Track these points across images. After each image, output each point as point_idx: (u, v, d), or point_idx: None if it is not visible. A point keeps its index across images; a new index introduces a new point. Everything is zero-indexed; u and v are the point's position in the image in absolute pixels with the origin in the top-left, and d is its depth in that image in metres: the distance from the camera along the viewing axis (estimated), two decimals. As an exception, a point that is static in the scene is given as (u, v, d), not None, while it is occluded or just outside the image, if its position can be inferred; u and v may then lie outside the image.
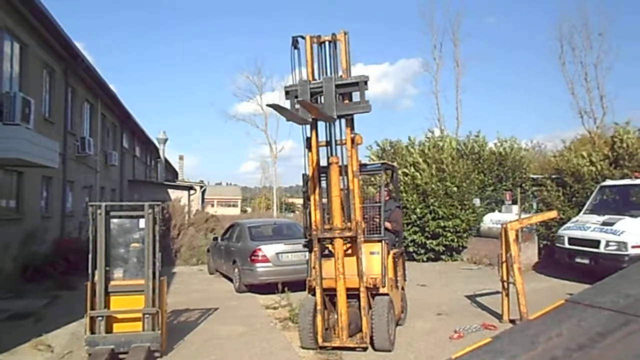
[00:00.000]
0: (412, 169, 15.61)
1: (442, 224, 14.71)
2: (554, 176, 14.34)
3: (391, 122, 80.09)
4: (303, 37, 6.03)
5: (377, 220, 6.78)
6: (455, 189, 15.03)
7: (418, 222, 14.93)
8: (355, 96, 5.86)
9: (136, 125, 26.82)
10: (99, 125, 19.59)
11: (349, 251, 6.12)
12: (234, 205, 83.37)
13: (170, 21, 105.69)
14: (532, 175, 17.21)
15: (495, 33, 71.88)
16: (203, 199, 39.76)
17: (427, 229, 14.87)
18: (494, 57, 75.40)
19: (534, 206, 14.43)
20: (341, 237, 5.93)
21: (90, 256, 5.88)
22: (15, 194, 11.74)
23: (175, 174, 48.63)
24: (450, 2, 59.58)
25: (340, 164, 6.04)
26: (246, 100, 44.11)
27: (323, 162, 6.22)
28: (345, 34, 6.01)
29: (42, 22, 12.22)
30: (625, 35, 56.70)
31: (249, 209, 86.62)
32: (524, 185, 16.45)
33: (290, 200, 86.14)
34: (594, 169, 13.10)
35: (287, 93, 5.90)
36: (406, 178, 15.30)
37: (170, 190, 27.56)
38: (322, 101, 5.74)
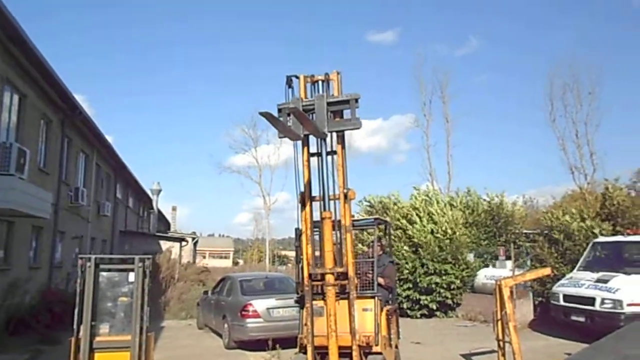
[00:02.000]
0: (404, 221, 15.61)
1: (435, 280, 14.56)
2: (545, 232, 14.37)
3: (384, 177, 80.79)
4: (297, 77, 6.15)
5: (370, 275, 6.71)
6: (447, 240, 14.99)
7: (410, 278, 14.78)
8: (347, 115, 5.88)
9: (130, 176, 26.86)
10: (93, 176, 19.62)
11: (341, 308, 6.01)
12: (225, 257, 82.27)
13: (165, 70, 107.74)
14: (525, 231, 17.24)
15: (485, 90, 74.15)
16: (195, 250, 39.39)
17: (419, 284, 14.70)
18: (484, 112, 77.42)
19: (528, 262, 14.36)
20: (334, 278, 5.77)
21: (76, 310, 5.73)
22: (4, 244, 11.57)
23: (167, 224, 48.31)
24: (440, 59, 61.45)
25: (333, 218, 6.04)
26: (241, 153, 44.34)
27: (316, 217, 6.22)
28: (338, 73, 6.15)
29: (43, 74, 12.47)
30: (616, 92, 58.25)
31: (241, 261, 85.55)
32: (517, 240, 16.45)
33: (283, 252, 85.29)
34: (584, 225, 13.16)
35: (279, 111, 5.94)
36: (398, 231, 15.27)
37: (161, 242, 27.31)
38: (314, 118, 5.80)
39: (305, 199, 6.08)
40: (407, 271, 14.75)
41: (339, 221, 6.02)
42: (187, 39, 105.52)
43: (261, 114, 4.67)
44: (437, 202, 16.87)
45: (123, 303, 6.09)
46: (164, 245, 26.48)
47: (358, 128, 5.77)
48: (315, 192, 6.21)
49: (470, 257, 15.36)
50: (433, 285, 14.61)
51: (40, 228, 13.67)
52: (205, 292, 13.48)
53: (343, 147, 5.91)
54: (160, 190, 34.56)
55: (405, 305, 14.69)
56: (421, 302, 14.77)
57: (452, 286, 14.72)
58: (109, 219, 22.97)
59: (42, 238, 13.99)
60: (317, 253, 6.28)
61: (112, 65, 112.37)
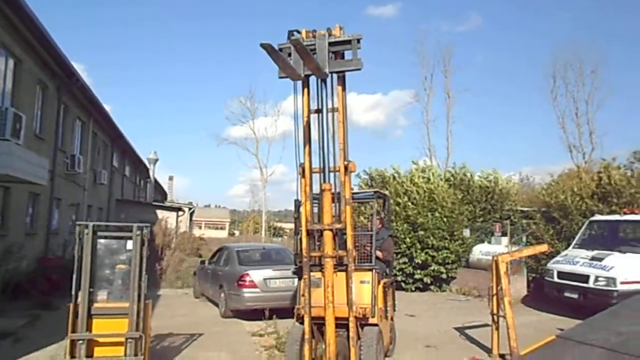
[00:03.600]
0: (405, 199, 15.58)
1: (431, 254, 14.66)
2: (542, 209, 14.43)
3: (382, 151, 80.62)
4: (299, 31, 6.03)
5: (369, 248, 6.73)
6: (444, 219, 15.03)
7: (407, 252, 14.86)
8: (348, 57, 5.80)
9: (127, 145, 26.69)
10: (89, 144, 19.48)
11: (339, 280, 6.03)
12: (221, 228, 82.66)
13: (167, 41, 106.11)
14: (520, 208, 17.30)
15: (487, 66, 73.26)
16: (191, 220, 39.49)
17: (415, 259, 14.80)
18: (485, 89, 76.78)
19: (524, 239, 14.45)
20: (332, 250, 5.79)
21: (74, 276, 5.74)
22: (0, 210, 11.53)
23: (164, 194, 48.29)
24: (442, 35, 60.61)
25: (333, 190, 6.01)
26: (239, 124, 44.12)
27: (316, 189, 6.19)
28: (340, 28, 6.02)
29: (39, 39, 12.23)
30: (618, 73, 57.84)
31: (237, 232, 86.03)
32: (512, 217, 16.52)
33: (279, 224, 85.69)
34: (581, 204, 13.20)
35: (280, 50, 5.85)
36: (397, 208, 15.27)
37: (158, 211, 27.32)
38: (316, 59, 5.73)
39: (305, 154, 5.99)
40: (404, 246, 14.83)
41: (339, 193, 6.00)
42: (187, 11, 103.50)
43: (262, 45, 4.54)
44: (435, 179, 16.86)
45: (121, 271, 6.11)
46: (161, 214, 26.51)
47: (360, 68, 5.67)
48: (315, 163, 6.18)
49: (467, 232, 15.45)
50: (429, 260, 14.71)
51: (37, 195, 13.63)
52: (202, 262, 13.54)
53: (344, 89, 5.84)
54: (157, 160, 34.40)
55: (399, 279, 14.81)
56: (415, 275, 14.90)
57: (447, 260, 14.83)
58: (106, 187, 22.92)
59: (39, 205, 13.95)
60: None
61: (111, 35, 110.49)
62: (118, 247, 6.14)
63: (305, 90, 5.97)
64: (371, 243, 6.74)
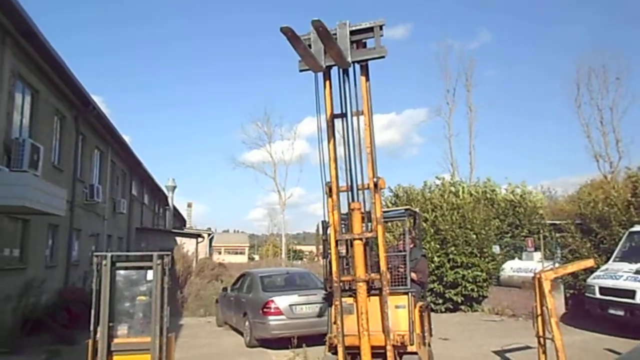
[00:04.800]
0: (433, 215, 15.09)
1: (461, 273, 14.10)
2: (577, 222, 13.79)
3: (399, 170, 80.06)
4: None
5: (402, 270, 6.31)
6: (474, 236, 14.50)
7: (436, 272, 14.31)
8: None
9: (145, 173, 26.70)
10: (108, 173, 19.43)
11: (372, 306, 5.61)
12: (241, 253, 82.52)
13: (181, 65, 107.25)
14: (550, 221, 16.67)
15: (501, 81, 72.59)
16: (210, 246, 39.27)
17: (445, 278, 14.24)
18: (502, 105, 76.04)
19: (558, 253, 13.81)
20: (365, 273, 5.41)
21: (92, 311, 5.41)
22: (19, 243, 11.34)
23: (183, 221, 48.28)
24: (464, 48, 60.44)
25: (362, 210, 5.64)
26: (256, 148, 44.29)
27: (343, 209, 5.83)
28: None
29: (55, 69, 12.20)
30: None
31: (256, 257, 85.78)
32: (542, 231, 15.92)
33: (298, 247, 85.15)
34: (619, 214, 12.56)
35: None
36: (425, 224, 14.78)
37: (177, 238, 27.16)
38: None
39: (330, 160, 5.67)
40: (433, 265, 14.30)
41: (369, 212, 5.64)
42: (201, 34, 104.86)
43: (282, 29, 4.25)
44: (465, 194, 16.41)
45: (142, 302, 5.77)
46: (180, 241, 26.32)
47: (384, 56, 5.42)
48: (342, 182, 5.84)
49: (496, 249, 14.87)
50: (459, 279, 14.15)
51: (56, 226, 13.47)
52: (225, 289, 13.16)
53: (367, 79, 5.58)
54: (175, 187, 34.45)
55: (429, 299, 14.26)
56: (446, 295, 14.32)
57: (478, 279, 14.25)
58: (125, 216, 22.81)
59: (59, 236, 13.79)
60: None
61: (126, 63, 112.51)
62: (138, 277, 5.80)
63: (328, 83, 5.68)
64: (405, 264, 6.32)
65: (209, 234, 37.37)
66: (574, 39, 68.64)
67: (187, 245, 26.96)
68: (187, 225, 46.69)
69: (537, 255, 14.11)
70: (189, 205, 48.24)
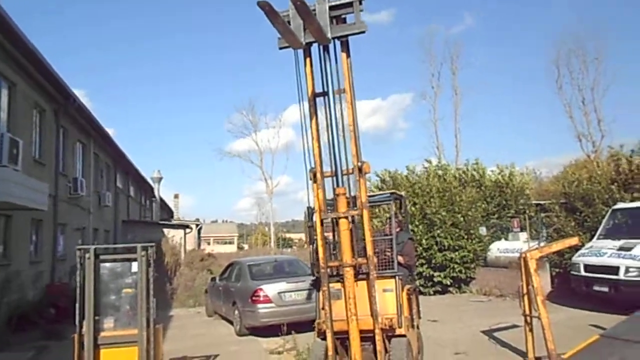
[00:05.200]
0: (422, 199, 15.11)
1: (449, 256, 14.20)
2: (561, 201, 13.93)
3: (386, 155, 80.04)
4: None
5: (389, 254, 6.30)
6: (461, 218, 14.58)
7: (424, 254, 14.39)
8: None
9: (130, 165, 26.42)
10: (91, 166, 19.17)
11: (360, 290, 5.61)
12: (230, 243, 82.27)
13: (165, 58, 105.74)
14: (536, 202, 16.83)
15: (486, 64, 72.63)
16: (199, 237, 39.15)
17: (433, 261, 14.33)
18: (486, 86, 76.20)
19: (544, 233, 13.94)
20: (351, 257, 5.40)
21: (77, 305, 5.35)
22: (2, 239, 11.19)
23: (170, 212, 47.94)
24: (449, 32, 60.29)
25: (347, 195, 5.61)
26: (242, 137, 44.09)
27: (329, 195, 5.80)
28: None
29: (32, 61, 11.96)
30: (622, 59, 57.21)
31: (245, 246, 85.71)
32: (527, 211, 16.06)
33: (288, 235, 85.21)
34: (603, 192, 12.69)
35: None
36: (413, 208, 14.81)
37: (165, 230, 26.98)
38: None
39: (313, 143, 5.62)
40: (421, 248, 14.36)
41: (354, 197, 5.61)
42: (184, 26, 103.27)
43: (259, 3, 4.17)
44: (450, 177, 16.47)
45: (127, 295, 5.72)
46: (168, 233, 26.17)
47: (364, 31, 5.35)
48: (326, 167, 5.80)
49: (483, 230, 14.97)
50: (447, 261, 14.25)
51: (40, 221, 13.29)
52: (213, 279, 13.14)
53: (348, 56, 5.52)
54: (161, 179, 34.12)
55: (418, 282, 14.35)
56: (435, 278, 14.42)
57: (465, 260, 14.37)
58: (111, 209, 22.59)
59: (43, 231, 13.61)
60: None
61: (109, 56, 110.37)
62: (123, 270, 5.76)
63: (308, 60, 5.61)
64: (391, 248, 6.31)
65: (197, 225, 37.22)
66: (554, 20, 68.71)
67: (175, 236, 26.85)
68: (175, 217, 46.45)
69: (523, 235, 14.27)
70: (176, 197, 47.92)
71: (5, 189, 7.90)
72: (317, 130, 5.73)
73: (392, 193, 6.96)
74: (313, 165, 5.70)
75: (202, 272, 19.45)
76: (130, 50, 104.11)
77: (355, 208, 5.53)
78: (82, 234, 17.75)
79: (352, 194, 5.67)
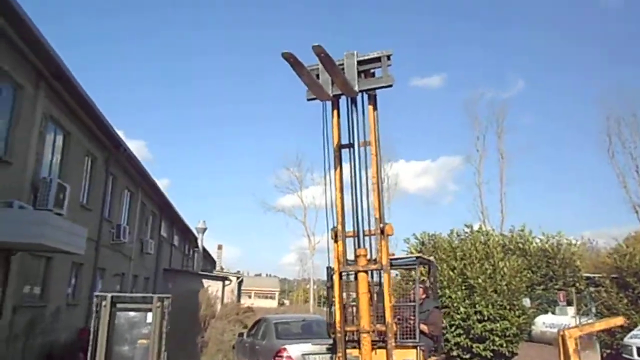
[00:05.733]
0: (461, 263, 14.50)
1: (489, 327, 13.36)
2: (613, 276, 13.02)
3: (433, 217, 78.27)
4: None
5: (412, 322, 5.99)
6: (505, 287, 13.82)
7: (463, 324, 13.63)
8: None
9: (176, 214, 27.07)
10: (137, 213, 19.75)
11: (378, 358, 5.31)
12: (271, 297, 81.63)
13: (216, 102, 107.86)
14: (586, 274, 15.82)
15: (535, 129, 71.10)
16: (239, 290, 39.02)
17: (472, 331, 13.53)
18: (536, 151, 74.22)
19: (593, 309, 12.99)
20: (369, 333, 5.13)
21: (89, 355, 5.31)
22: (41, 280, 11.50)
23: (214, 263, 48.42)
24: (494, 96, 60.02)
25: (368, 256, 5.44)
26: (289, 193, 44.60)
27: (350, 256, 5.63)
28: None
29: (87, 111, 12.65)
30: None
31: (287, 302, 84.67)
32: (577, 284, 15.09)
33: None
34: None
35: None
36: (452, 273, 14.19)
37: (204, 281, 27.08)
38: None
39: (336, 194, 5.53)
40: (459, 317, 13.64)
41: (375, 260, 5.43)
42: (243, 72, 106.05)
43: (284, 54, 4.23)
44: (494, 244, 15.82)
45: (142, 346, 5.66)
46: (207, 284, 26.24)
47: (391, 85, 5.39)
48: (349, 227, 5.68)
49: (527, 302, 14.09)
50: (487, 333, 13.42)
51: (81, 264, 13.63)
52: (241, 334, 12.88)
53: (375, 109, 5.55)
54: (205, 229, 34.69)
55: (455, 353, 13.54)
56: (473, 349, 13.55)
57: (507, 333, 13.47)
58: (153, 257, 22.99)
59: (82, 274, 13.93)
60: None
61: (162, 115, 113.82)
62: (140, 319, 5.75)
63: (335, 112, 5.65)
64: (414, 315, 6.00)
65: (238, 277, 37.16)
66: (604, 87, 67.09)
67: (213, 288, 26.89)
68: (217, 268, 46.78)
69: (571, 309, 13.35)
70: (219, 248, 48.44)
71: (42, 232, 8.15)
72: (341, 183, 5.68)
73: (417, 257, 6.69)
74: (335, 224, 5.60)
75: (234, 325, 19.20)
76: (183, 94, 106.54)
77: (375, 262, 5.35)
78: (121, 280, 18.06)
79: (375, 256, 5.50)
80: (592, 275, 15.16)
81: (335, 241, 5.58)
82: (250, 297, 75.35)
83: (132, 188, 18.91)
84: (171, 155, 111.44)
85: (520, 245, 16.91)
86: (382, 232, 5.38)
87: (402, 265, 7.20)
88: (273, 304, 76.09)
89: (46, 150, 11.43)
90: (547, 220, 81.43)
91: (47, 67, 10.45)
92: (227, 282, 29.48)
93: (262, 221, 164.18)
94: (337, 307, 5.43)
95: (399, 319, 5.93)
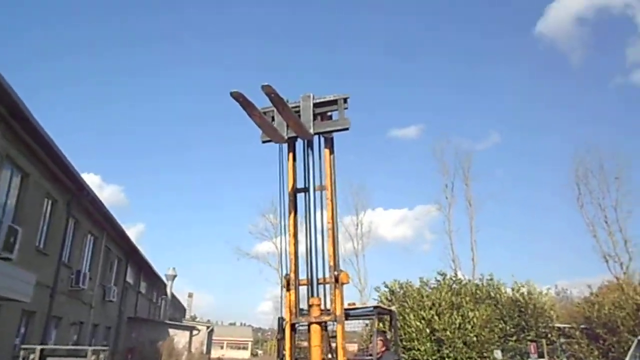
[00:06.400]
0: (430, 313, 14.16)
1: (460, 380, 12.96)
2: (583, 326, 12.82)
3: (410, 266, 77.58)
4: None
5: (370, 378, 5.63)
6: (474, 338, 13.49)
7: (432, 377, 13.19)
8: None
9: (143, 260, 26.24)
10: (101, 259, 19.03)
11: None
12: (244, 348, 78.89)
13: (194, 166, 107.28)
14: (558, 325, 15.58)
15: (508, 177, 72.42)
16: (210, 340, 37.61)
17: (442, 385, 13.09)
18: (508, 198, 75.12)
19: (564, 361, 12.71)
20: None
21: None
22: (-15, 330, 10.75)
23: (184, 311, 46.87)
24: (460, 142, 61.01)
25: (322, 306, 5.13)
26: (266, 240, 43.83)
27: (305, 306, 5.33)
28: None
29: (48, 152, 12.30)
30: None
31: (260, 352, 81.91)
32: (549, 335, 14.81)
33: (305, 344, 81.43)
34: (629, 319, 11.64)
35: (264, 114, 5.26)
36: (420, 324, 13.84)
37: (171, 330, 26.06)
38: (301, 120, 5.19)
39: (290, 248, 5.26)
40: (428, 369, 13.22)
41: (328, 310, 5.12)
42: (209, 117, 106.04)
43: (232, 93, 4.03)
44: (465, 293, 15.55)
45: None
46: (174, 334, 25.22)
47: (347, 128, 5.21)
48: (302, 275, 5.40)
49: (498, 354, 13.75)
50: (457, 387, 12.98)
51: (32, 312, 12.83)
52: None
53: (332, 152, 5.34)
54: (175, 276, 33.80)
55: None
56: (444, 407, 13.07)
57: (479, 388, 13.06)
58: (116, 305, 22.02)
59: (34, 324, 13.09)
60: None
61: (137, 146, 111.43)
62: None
63: (291, 155, 5.46)
64: (373, 370, 5.65)
65: (208, 327, 35.98)
66: (575, 142, 69.22)
67: (181, 337, 25.84)
68: (187, 316, 45.24)
69: (543, 362, 13.04)
70: (190, 296, 47.15)
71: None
72: (295, 228, 5.44)
73: (375, 307, 6.38)
74: (287, 272, 5.32)
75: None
76: (157, 138, 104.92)
77: (329, 313, 5.04)
78: (79, 329, 17.13)
79: (329, 306, 5.20)
80: (564, 326, 14.95)
81: (288, 289, 5.28)
82: (222, 347, 72.83)
83: (95, 232, 18.28)
84: (147, 201, 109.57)
85: (492, 294, 16.66)
86: (337, 280, 5.11)
87: (359, 315, 6.86)
88: (246, 354, 73.52)
89: (0, 192, 10.97)
90: (519, 269, 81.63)
91: (4, 105, 10.17)
92: (195, 332, 28.50)
93: (237, 268, 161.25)
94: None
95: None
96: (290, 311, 5.19)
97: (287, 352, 5.09)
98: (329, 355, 5.29)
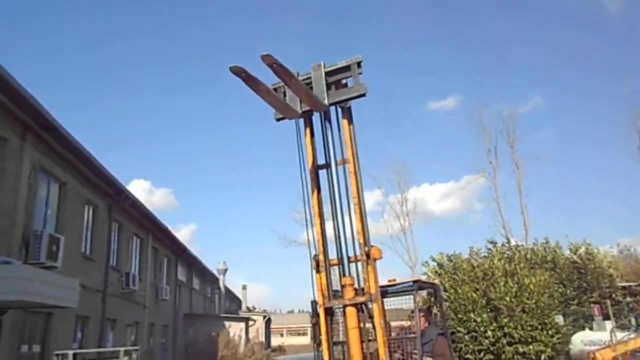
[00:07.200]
0: (484, 284, 13.53)
1: (521, 350, 12.32)
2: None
3: (459, 239, 75.82)
4: None
5: (416, 356, 5.26)
6: (533, 304, 12.80)
7: (492, 348, 12.62)
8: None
9: (193, 258, 26.66)
10: (149, 259, 19.35)
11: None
12: (303, 334, 79.82)
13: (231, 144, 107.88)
14: (622, 284, 14.65)
15: (555, 137, 69.16)
16: (268, 329, 38.15)
17: (503, 356, 12.50)
18: (556, 157, 71.94)
19: (633, 321, 11.88)
20: None
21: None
22: (41, 338, 11.00)
23: (239, 303, 47.72)
24: (501, 107, 58.51)
25: (355, 285, 4.80)
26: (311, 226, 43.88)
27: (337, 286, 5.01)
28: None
29: (82, 161, 12.47)
30: None
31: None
32: (614, 295, 13.94)
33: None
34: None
35: (275, 90, 4.94)
36: (475, 294, 13.23)
37: (226, 322, 26.43)
38: (313, 92, 4.83)
39: (315, 220, 4.94)
40: (487, 341, 12.64)
41: (363, 289, 4.78)
42: (249, 117, 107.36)
43: (232, 69, 3.72)
44: (520, 259, 14.80)
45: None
46: (229, 326, 25.56)
47: (364, 94, 4.81)
48: (332, 254, 5.07)
49: (560, 319, 13.03)
50: (519, 356, 12.37)
51: (86, 317, 13.15)
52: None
53: (350, 122, 4.98)
54: (226, 270, 34.29)
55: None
56: (506, 376, 12.50)
57: (542, 356, 12.39)
58: (170, 303, 22.45)
59: (89, 328, 13.42)
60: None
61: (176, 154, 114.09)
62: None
63: (308, 130, 5.12)
64: (421, 346, 5.28)
65: (264, 316, 36.49)
66: (630, 87, 65.12)
67: (236, 329, 26.17)
68: (243, 308, 46.03)
69: (609, 324, 12.25)
70: (244, 288, 47.84)
71: (18, 287, 7.67)
72: (320, 207, 5.10)
73: (415, 281, 5.98)
74: (316, 252, 5.00)
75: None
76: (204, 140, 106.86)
77: (364, 293, 4.71)
78: (135, 329, 17.54)
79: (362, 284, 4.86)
80: (629, 284, 14.03)
81: (318, 271, 4.96)
82: (282, 335, 74.05)
83: (141, 234, 18.58)
84: (196, 201, 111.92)
85: (548, 258, 15.84)
86: (368, 256, 4.75)
87: (398, 292, 6.46)
88: (305, 340, 74.41)
89: (39, 202, 11.15)
90: (575, 230, 78.19)
91: (33, 118, 10.29)
92: (250, 323, 28.83)
93: (288, 257, 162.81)
94: (324, 348, 4.76)
95: (401, 355, 5.21)
96: (323, 294, 4.88)
97: (323, 337, 4.79)
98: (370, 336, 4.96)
